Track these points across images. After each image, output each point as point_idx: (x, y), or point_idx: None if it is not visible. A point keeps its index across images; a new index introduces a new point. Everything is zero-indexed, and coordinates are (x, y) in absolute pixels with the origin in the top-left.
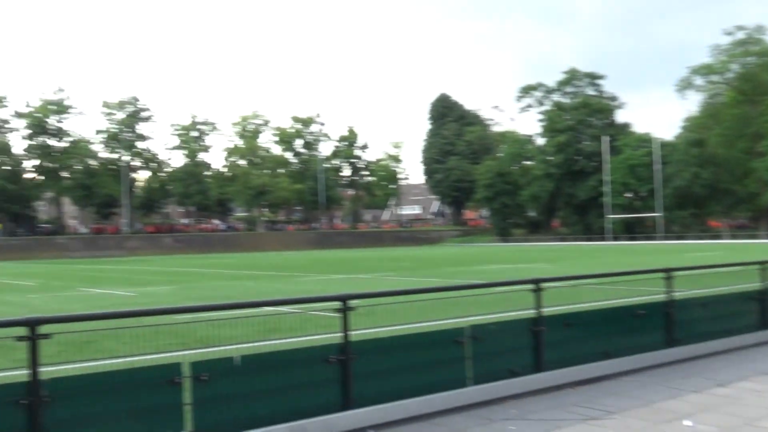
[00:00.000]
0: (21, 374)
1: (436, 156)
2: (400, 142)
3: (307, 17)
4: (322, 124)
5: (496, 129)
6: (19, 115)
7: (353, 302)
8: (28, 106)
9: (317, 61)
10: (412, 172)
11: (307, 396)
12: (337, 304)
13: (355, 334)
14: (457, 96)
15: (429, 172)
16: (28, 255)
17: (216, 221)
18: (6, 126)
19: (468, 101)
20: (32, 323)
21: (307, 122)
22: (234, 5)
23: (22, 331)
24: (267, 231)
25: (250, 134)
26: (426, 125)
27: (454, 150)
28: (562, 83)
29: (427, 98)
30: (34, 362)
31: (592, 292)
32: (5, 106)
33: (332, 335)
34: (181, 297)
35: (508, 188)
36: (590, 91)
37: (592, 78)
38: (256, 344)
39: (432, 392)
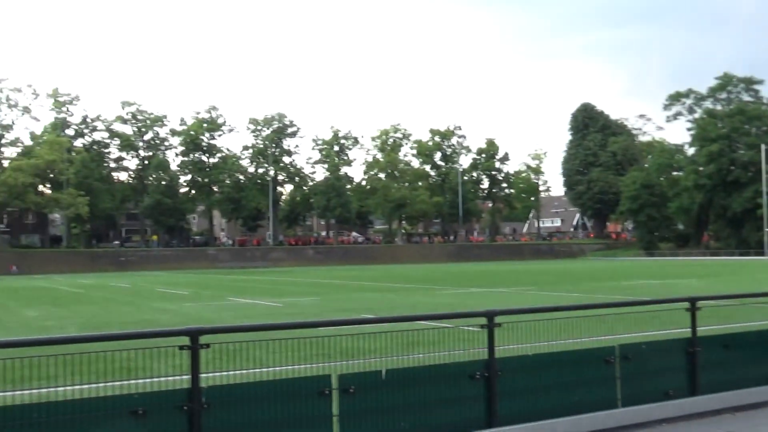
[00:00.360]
0: (179, 380)
1: (577, 167)
2: (541, 153)
3: (448, 30)
4: (462, 136)
5: (642, 139)
6: (174, 133)
7: (499, 318)
8: (182, 124)
9: (458, 73)
10: (553, 183)
11: (451, 412)
12: (482, 320)
13: (501, 351)
14: (600, 105)
15: (570, 184)
16: (180, 265)
17: (354, 234)
18: (164, 144)
19: (612, 110)
20: (194, 333)
21: (446, 135)
22: (375, 22)
23: (184, 340)
24: (405, 243)
25: (389, 148)
26: (567, 136)
27: (597, 161)
28: (715, 89)
29: (568, 108)
30: (195, 370)
31: (753, 312)
32: (165, 125)
33: (476, 351)
34: (324, 308)
35: (655, 200)
36: (746, 97)
37: (749, 83)
38: (398, 358)
39: (579, 413)
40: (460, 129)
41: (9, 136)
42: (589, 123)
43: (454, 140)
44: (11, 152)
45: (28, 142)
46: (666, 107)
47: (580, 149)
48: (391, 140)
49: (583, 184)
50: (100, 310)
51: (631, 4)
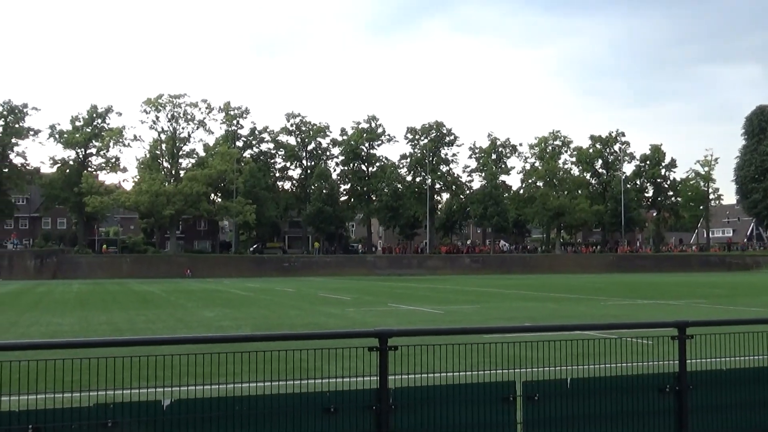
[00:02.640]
0: (367, 381)
1: (753, 174)
2: (711, 159)
3: (607, 33)
4: (625, 143)
5: None
6: (335, 143)
7: (691, 330)
8: (343, 134)
9: (619, 76)
10: (724, 191)
11: (638, 425)
12: (670, 331)
13: (690, 364)
14: None
15: (744, 192)
16: (340, 271)
17: (502, 242)
18: (326, 153)
19: None
20: (384, 335)
21: (607, 141)
22: (531, 30)
23: (373, 342)
24: (564, 253)
25: (548, 155)
26: (740, 141)
27: None
28: None
29: (742, 112)
30: (383, 372)
31: None
32: (327, 135)
33: (654, 364)
34: (486, 316)
35: None
36: None
37: None
38: (576, 368)
39: None
40: (623, 135)
41: (185, 148)
42: (766, 127)
43: (616, 147)
44: (187, 163)
45: (202, 154)
46: None
47: (755, 155)
48: (549, 147)
49: (759, 192)
50: (269, 312)
51: None
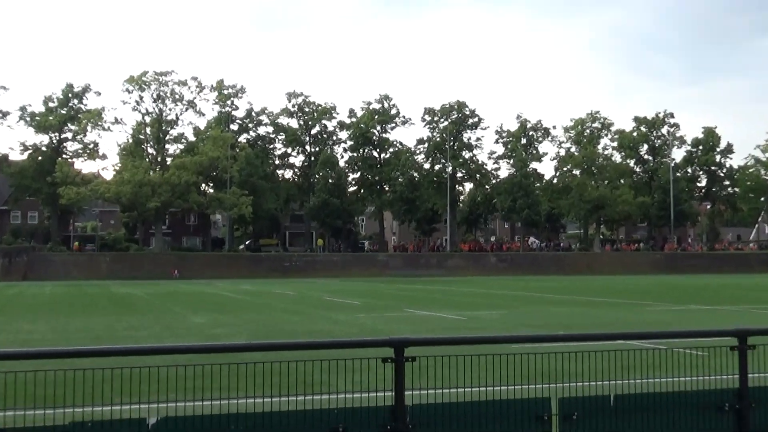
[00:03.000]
0: (381, 396)
1: None
2: None
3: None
4: (674, 125)
5: None
6: (342, 126)
7: (753, 339)
8: (351, 116)
9: (665, 50)
10: None
11: None
12: (729, 341)
13: (753, 378)
14: None
15: None
16: (348, 272)
17: (532, 239)
18: (332, 138)
19: None
20: (399, 344)
21: (654, 124)
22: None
23: (387, 352)
24: (604, 251)
25: (586, 140)
26: None
27: None
28: None
29: None
30: (399, 386)
31: None
32: (333, 117)
33: (717, 378)
34: (513, 323)
35: None
36: None
37: None
38: (621, 383)
39: None
40: (672, 117)
41: (173, 132)
42: None
43: (664, 130)
44: (175, 149)
45: (192, 138)
46: None
47: None
48: (587, 131)
49: None
50: (268, 318)
51: None
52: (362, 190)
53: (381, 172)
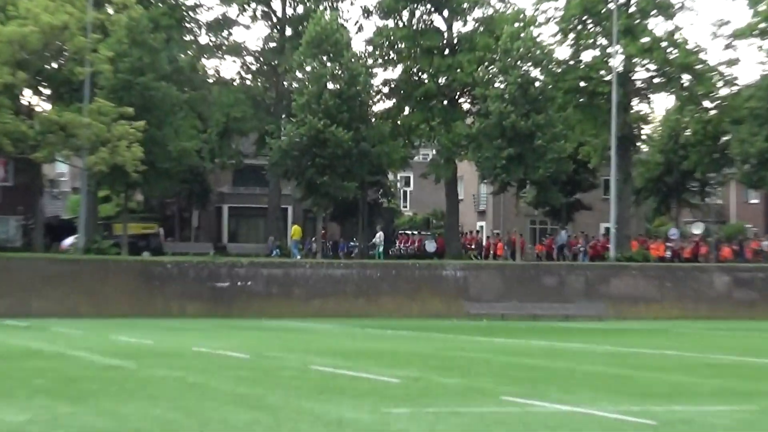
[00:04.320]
0: None
1: None
2: None
3: None
4: None
5: None
6: None
7: None
8: None
9: None
10: None
11: None
12: None
13: None
14: None
15: None
16: (376, 302)
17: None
18: None
19: None
20: None
21: None
22: None
23: None
24: None
25: None
26: None
27: None
28: None
29: None
30: None
31: None
32: None
33: None
34: None
35: None
36: None
37: None
38: None
39: None
40: None
41: None
42: None
43: None
44: None
45: None
46: None
47: None
48: None
49: None
50: (181, 417)
51: None
52: (408, 109)
53: (450, 69)
